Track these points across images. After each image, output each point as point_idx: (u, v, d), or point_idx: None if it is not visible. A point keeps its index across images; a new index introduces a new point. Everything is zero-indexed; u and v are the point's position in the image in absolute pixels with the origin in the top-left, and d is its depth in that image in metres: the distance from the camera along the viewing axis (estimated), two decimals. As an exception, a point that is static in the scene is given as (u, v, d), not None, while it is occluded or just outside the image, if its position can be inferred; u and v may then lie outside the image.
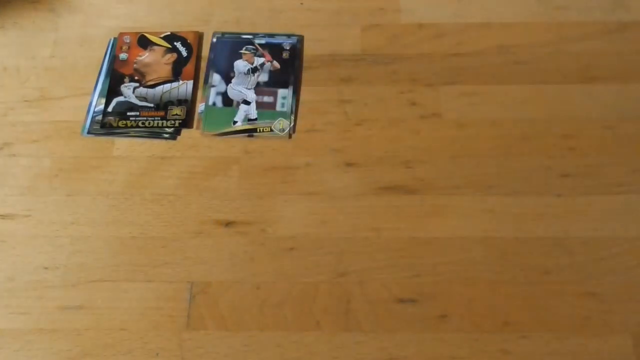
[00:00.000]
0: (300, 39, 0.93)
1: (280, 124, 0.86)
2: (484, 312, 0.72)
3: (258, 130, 0.85)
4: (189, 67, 0.91)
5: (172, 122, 0.86)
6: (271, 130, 0.85)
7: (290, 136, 0.85)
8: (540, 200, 0.79)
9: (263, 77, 0.90)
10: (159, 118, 0.86)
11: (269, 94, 0.88)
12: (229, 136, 0.85)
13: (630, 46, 0.90)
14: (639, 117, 0.85)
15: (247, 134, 0.85)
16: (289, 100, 0.87)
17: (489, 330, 0.71)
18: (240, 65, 0.91)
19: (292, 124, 0.86)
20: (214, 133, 0.86)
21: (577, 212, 0.78)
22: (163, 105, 0.88)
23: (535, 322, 0.71)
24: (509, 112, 0.85)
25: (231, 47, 0.92)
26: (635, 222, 0.77)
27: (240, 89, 0.89)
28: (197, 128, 0.86)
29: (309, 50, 0.92)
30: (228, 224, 0.79)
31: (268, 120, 0.86)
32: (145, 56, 0.92)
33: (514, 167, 0.81)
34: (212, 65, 0.91)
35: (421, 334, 0.71)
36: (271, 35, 0.93)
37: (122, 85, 0.89)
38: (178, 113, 0.87)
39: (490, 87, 0.88)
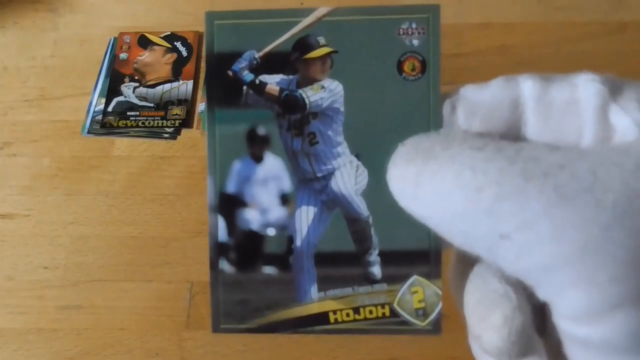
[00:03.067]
0: (301, 39, 0.93)
1: (280, 123, 0.85)
2: (484, 312, 0.72)
3: (258, 130, 0.85)
4: (189, 67, 0.91)
5: (172, 122, 0.86)
6: (271, 130, 0.85)
7: (290, 136, 0.85)
8: (540, 200, 0.78)
9: (263, 77, 0.90)
10: (159, 118, 0.86)
11: (269, 94, 0.88)
12: (229, 136, 0.85)
13: (630, 46, 0.90)
14: (639, 117, 0.84)
15: (247, 134, 0.85)
16: (289, 100, 0.87)
17: (489, 330, 0.71)
18: (240, 65, 0.91)
19: (292, 124, 0.86)
20: (214, 133, 0.85)
21: (578, 212, 0.78)
22: (163, 105, 0.88)
23: (535, 322, 0.71)
24: (509, 112, 0.85)
25: (231, 47, 0.92)
26: (635, 222, 0.77)
27: (240, 88, 0.89)
28: (197, 128, 0.86)
29: (309, 50, 0.92)
30: (228, 223, 0.79)
31: (268, 120, 0.86)
32: (145, 56, 0.92)
33: (514, 167, 0.81)
34: (212, 65, 0.91)
35: (421, 334, 0.71)
36: (271, 35, 0.93)
37: (122, 85, 0.89)
38: (178, 113, 0.87)
39: (490, 87, 0.87)
